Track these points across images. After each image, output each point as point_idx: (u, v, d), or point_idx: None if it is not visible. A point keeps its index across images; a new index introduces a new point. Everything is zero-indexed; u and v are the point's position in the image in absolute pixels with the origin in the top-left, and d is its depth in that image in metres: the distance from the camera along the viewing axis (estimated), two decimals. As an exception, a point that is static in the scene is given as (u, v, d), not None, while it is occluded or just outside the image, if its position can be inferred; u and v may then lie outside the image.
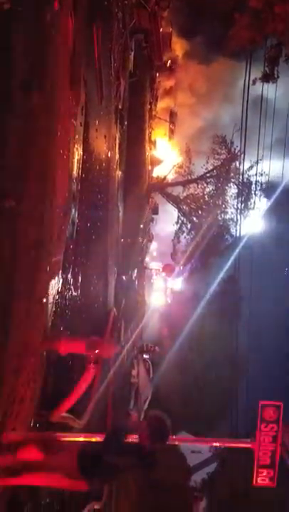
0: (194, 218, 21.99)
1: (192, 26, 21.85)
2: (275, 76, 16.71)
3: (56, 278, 6.86)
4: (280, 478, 4.03)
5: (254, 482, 4.06)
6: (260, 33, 14.41)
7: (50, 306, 6.29)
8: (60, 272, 7.13)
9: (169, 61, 22.65)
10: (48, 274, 6.16)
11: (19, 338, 4.93)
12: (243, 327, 21.66)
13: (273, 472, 4.02)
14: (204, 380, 19.39)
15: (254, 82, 16.92)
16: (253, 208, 22.21)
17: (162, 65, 21.34)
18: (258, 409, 3.98)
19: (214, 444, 4.14)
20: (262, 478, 4.04)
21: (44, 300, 5.98)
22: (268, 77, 16.75)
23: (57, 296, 6.97)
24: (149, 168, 21.37)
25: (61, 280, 7.24)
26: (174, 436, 4.09)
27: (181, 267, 22.46)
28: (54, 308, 6.65)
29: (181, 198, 21.54)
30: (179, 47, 23.67)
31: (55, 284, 6.74)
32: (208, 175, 21.57)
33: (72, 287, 8.01)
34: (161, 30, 17.33)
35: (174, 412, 17.07)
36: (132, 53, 14.32)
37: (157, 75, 21.81)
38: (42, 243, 5.77)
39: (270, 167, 21.46)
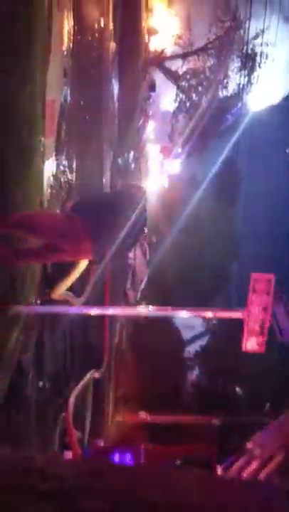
0: (194, 95, 20.82)
1: None
2: None
3: (50, 159, 6.78)
4: (268, 349, 4.34)
5: (244, 348, 4.34)
6: None
7: (45, 188, 6.31)
8: (54, 153, 7.02)
9: None
10: (42, 153, 6.09)
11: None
12: (239, 210, 21.93)
13: (262, 338, 4.28)
14: (201, 260, 20.08)
15: None
16: (257, 82, 20.92)
17: None
18: (250, 282, 4.15)
19: (207, 314, 4.46)
20: (251, 345, 4.32)
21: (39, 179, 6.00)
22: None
23: (52, 178, 6.95)
24: (146, 39, 19.64)
25: (55, 161, 7.17)
26: (169, 308, 4.37)
27: (179, 149, 21.90)
28: (50, 191, 6.68)
29: (180, 72, 20.16)
30: None
31: (49, 166, 6.68)
32: (209, 46, 19.91)
33: (67, 170, 7.94)
34: None
35: (171, 290, 18.08)
36: None
37: None
38: (34, 123, 5.60)
39: (276, 36, 19.87)
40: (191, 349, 20.25)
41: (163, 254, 17.05)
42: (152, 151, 22.14)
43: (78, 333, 6.77)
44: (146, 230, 4.66)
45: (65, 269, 4.90)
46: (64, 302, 5.32)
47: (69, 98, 8.14)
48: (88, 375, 7.17)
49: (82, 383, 6.91)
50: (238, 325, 4.58)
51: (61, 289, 5.17)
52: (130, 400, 13.39)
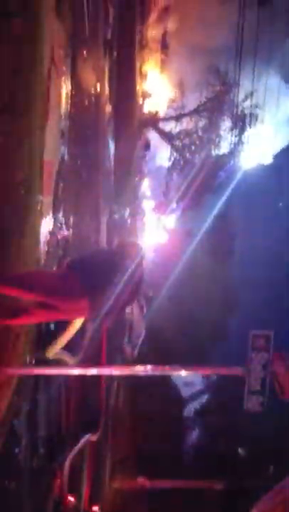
0: (187, 154, 21.57)
1: None
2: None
3: (47, 217, 6.86)
4: (269, 408, 4.20)
5: (245, 407, 4.20)
6: None
7: (42, 245, 6.33)
8: (51, 211, 7.12)
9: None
10: (39, 212, 6.16)
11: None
12: (235, 262, 22.05)
13: (263, 398, 4.15)
14: (198, 314, 19.93)
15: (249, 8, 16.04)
16: (248, 141, 21.84)
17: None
18: (248, 339, 4.07)
19: (206, 372, 4.33)
20: (252, 404, 4.18)
21: (35, 238, 6.02)
22: (263, 2, 15.87)
23: (48, 235, 7.00)
24: (141, 102, 20.61)
25: (52, 221, 7.24)
26: (167, 366, 4.25)
27: (175, 205, 22.36)
28: (46, 248, 6.70)
29: (174, 133, 21.01)
30: None
31: (46, 224, 6.75)
32: (201, 108, 20.89)
33: (63, 226, 8.02)
34: None
35: (169, 345, 17.79)
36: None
37: (147, 2, 20.46)
38: (32, 182, 5.71)
39: (265, 99, 20.88)
40: (191, 408, 19.63)
41: (160, 308, 16.93)
42: (148, 207, 22.61)
43: (73, 395, 6.54)
44: (143, 287, 4.63)
45: (61, 326, 4.81)
46: (59, 361, 5.18)
47: (66, 157, 8.38)
48: (84, 439, 6.85)
49: (77, 447, 6.59)
50: (238, 382, 4.45)
51: (56, 348, 5.05)
52: (128, 464, 12.77)
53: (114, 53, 14.57)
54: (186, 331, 19.63)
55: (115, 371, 4.17)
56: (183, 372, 4.03)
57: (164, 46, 22.96)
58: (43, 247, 6.44)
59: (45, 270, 5.84)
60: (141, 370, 3.85)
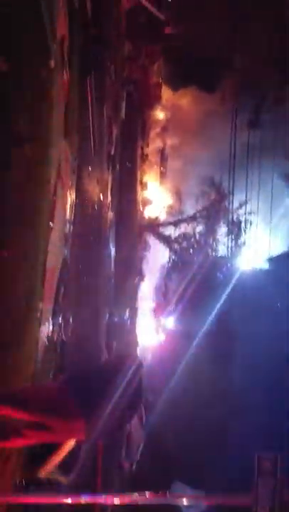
0: (186, 257, 22.19)
1: (181, 77, 22.90)
2: (260, 124, 17.53)
3: (46, 324, 6.86)
4: None
5: None
6: (245, 90, 15.30)
7: (39, 353, 6.25)
8: (51, 317, 7.14)
9: (159, 108, 23.58)
10: (38, 321, 6.17)
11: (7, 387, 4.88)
12: (235, 366, 21.48)
13: None
14: (198, 420, 18.95)
15: (240, 129, 17.73)
16: (244, 244, 22.63)
17: (152, 111, 22.26)
18: (253, 461, 3.86)
19: (210, 501, 4.01)
20: None
21: (33, 348, 5.96)
22: (253, 124, 17.56)
23: (47, 342, 6.94)
24: (141, 208, 21.71)
25: (51, 325, 7.23)
26: (168, 492, 3.98)
27: (174, 306, 22.43)
28: (43, 355, 6.61)
29: (173, 237, 21.84)
30: (168, 93, 24.60)
31: (45, 330, 6.72)
32: (198, 215, 21.96)
33: (62, 332, 7.99)
34: (151, 80, 18.22)
35: (167, 454, 16.61)
36: (124, 102, 14.88)
37: (148, 120, 22.56)
38: (34, 291, 5.81)
39: (258, 206, 22.00)
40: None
41: (160, 415, 16.09)
42: (147, 308, 22.66)
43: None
44: (143, 403, 4.48)
45: (53, 444, 4.57)
46: (51, 481, 4.83)
47: (68, 263, 8.60)
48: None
49: None
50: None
51: (49, 467, 4.74)
52: None
53: (117, 166, 15.66)
54: (186, 439, 18.49)
55: (111, 499, 3.89)
56: (185, 501, 3.77)
57: (163, 159, 24.82)
58: (40, 355, 6.36)
59: (40, 385, 5.68)
60: (140, 498, 3.60)
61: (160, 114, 24.33)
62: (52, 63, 6.21)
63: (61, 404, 3.63)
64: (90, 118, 9.63)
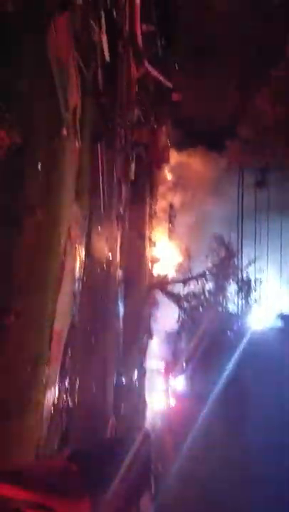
0: (195, 315, 21.88)
1: (188, 139, 23.81)
2: (267, 183, 17.89)
3: (52, 389, 6.62)
4: None
5: None
6: (250, 157, 15.79)
7: (44, 422, 5.98)
8: (57, 382, 6.91)
9: (168, 167, 24.29)
10: (44, 387, 5.95)
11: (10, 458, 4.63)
12: (249, 432, 20.53)
13: None
14: (210, 492, 17.82)
15: (247, 189, 18.10)
16: (255, 303, 22.35)
17: (161, 171, 22.92)
18: None
19: None
20: None
21: (38, 416, 5.71)
22: (260, 185, 17.92)
23: (52, 409, 6.66)
24: (150, 266, 21.75)
25: (57, 390, 6.99)
26: None
27: (184, 366, 21.85)
28: (48, 423, 6.33)
29: (182, 295, 21.66)
30: (176, 154, 25.43)
31: (50, 396, 6.48)
32: (207, 272, 21.89)
33: (69, 397, 7.70)
34: (159, 143, 18.93)
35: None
36: (133, 163, 15.34)
37: (157, 180, 23.16)
38: (40, 356, 5.66)
39: (267, 264, 21.95)
40: None
41: (170, 486, 15.19)
42: (156, 368, 22.10)
43: None
44: (152, 478, 4.21)
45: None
46: None
47: (76, 323, 8.45)
48: None
49: None
50: None
51: None
52: None
53: (126, 225, 15.84)
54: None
55: None
56: None
57: (172, 217, 25.17)
58: (45, 424, 6.08)
59: (43, 460, 5.40)
60: None
61: (169, 174, 25.01)
62: (64, 131, 6.45)
63: (65, 482, 3.40)
64: (101, 180, 9.87)
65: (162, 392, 21.90)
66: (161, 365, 22.40)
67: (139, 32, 13.37)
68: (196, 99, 18.47)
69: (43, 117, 5.78)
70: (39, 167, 5.54)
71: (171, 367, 21.97)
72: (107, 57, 9.48)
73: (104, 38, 9.08)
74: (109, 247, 12.70)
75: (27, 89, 5.51)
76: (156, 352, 22.33)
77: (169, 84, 17.43)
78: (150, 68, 14.94)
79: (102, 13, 8.65)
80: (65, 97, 6.56)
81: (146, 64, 14.57)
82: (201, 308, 21.64)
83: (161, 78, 16.41)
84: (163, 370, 22.22)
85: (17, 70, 5.44)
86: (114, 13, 10.16)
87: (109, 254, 12.95)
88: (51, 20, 5.74)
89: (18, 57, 5.47)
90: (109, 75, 10.06)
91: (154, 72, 15.48)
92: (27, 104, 5.55)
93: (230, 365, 20.31)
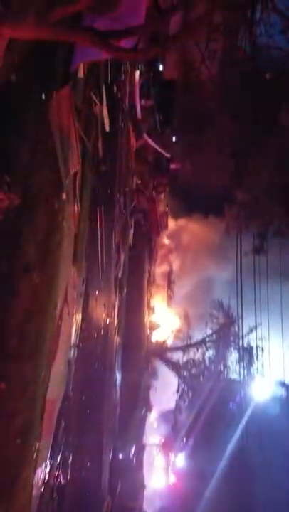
0: (196, 385, 21.10)
1: (186, 206, 24.42)
2: (264, 249, 18.00)
3: (43, 465, 6.14)
4: None
5: None
6: (248, 222, 16.08)
7: (33, 502, 5.46)
8: (48, 457, 6.43)
9: (166, 233, 24.66)
10: (34, 463, 5.50)
11: None
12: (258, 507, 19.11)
13: None
14: None
15: (246, 254, 18.17)
16: (256, 372, 21.61)
17: (160, 237, 23.21)
18: None
19: None
20: None
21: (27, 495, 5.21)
22: (258, 250, 18.02)
23: (42, 487, 6.15)
24: (148, 333, 21.33)
25: (48, 467, 6.48)
26: None
27: (184, 440, 20.74)
28: (38, 502, 5.79)
29: (181, 363, 21.03)
30: (175, 220, 25.91)
31: (41, 473, 5.99)
32: (207, 339, 21.42)
33: (60, 474, 7.15)
34: (158, 210, 19.34)
35: None
36: (132, 230, 15.54)
37: (155, 246, 23.38)
38: (31, 428, 5.27)
39: (269, 331, 21.50)
40: None
41: None
42: (155, 443, 20.96)
43: None
44: None
45: None
46: None
47: (71, 393, 8.05)
48: None
49: None
50: None
51: None
52: None
53: (124, 290, 15.71)
54: None
55: None
56: None
57: (170, 282, 25.10)
58: (34, 503, 5.55)
59: None
60: None
61: (167, 240, 25.31)
62: (64, 196, 6.52)
63: None
64: (99, 244, 9.88)
65: (161, 469, 20.60)
66: (160, 440, 21.25)
67: (138, 106, 14.08)
68: (193, 168, 19.08)
69: (43, 181, 5.85)
70: (37, 230, 5.51)
71: (170, 442, 20.86)
72: (108, 128, 9.85)
73: (105, 111, 9.48)
74: (106, 313, 12.48)
75: (28, 154, 5.62)
76: (154, 425, 21.31)
77: (167, 155, 18.07)
78: (149, 139, 15.56)
79: (103, 87, 9.10)
80: (65, 164, 6.69)
81: (145, 135, 15.19)
82: (201, 377, 20.89)
83: (159, 149, 17.05)
84: (162, 446, 21.06)
85: (19, 137, 5.57)
86: (115, 87, 10.72)
87: (107, 319, 12.70)
88: (54, 91, 5.98)
89: (21, 125, 5.63)
90: (109, 144, 10.41)
91: (153, 143, 16.11)
92: (28, 169, 5.63)
93: (233, 440, 19.32)
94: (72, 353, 8.41)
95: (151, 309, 22.17)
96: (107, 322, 12.73)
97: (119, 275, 14.32)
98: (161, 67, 16.39)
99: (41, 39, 4.45)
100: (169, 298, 24.22)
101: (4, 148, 5.09)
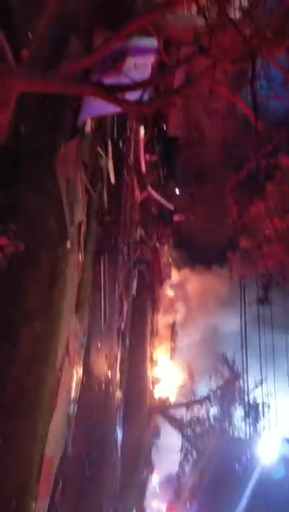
0: (200, 444, 20.18)
1: (189, 257, 24.53)
2: (268, 300, 17.82)
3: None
4: None
5: None
6: (251, 268, 16.07)
7: None
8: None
9: (170, 284, 24.57)
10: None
11: None
12: None
13: None
14: None
15: (250, 305, 17.97)
16: (263, 430, 20.64)
17: (163, 288, 23.11)
18: None
19: None
20: None
21: None
22: (262, 301, 17.84)
23: None
24: (151, 387, 20.68)
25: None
26: None
27: (188, 506, 19.51)
28: None
29: (185, 420, 20.22)
30: (178, 271, 25.90)
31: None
32: (211, 395, 20.70)
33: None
34: (161, 260, 19.42)
35: None
36: (135, 280, 15.50)
37: (158, 297, 23.21)
38: (27, 486, 4.95)
39: (275, 388, 20.80)
40: None
41: None
42: (158, 507, 19.75)
43: None
44: None
45: None
46: None
47: (70, 450, 7.67)
48: None
49: None
50: None
51: None
52: None
53: (127, 341, 15.42)
54: None
55: None
56: None
57: (174, 334, 24.66)
58: None
59: None
60: None
61: (170, 291, 25.14)
62: (68, 244, 6.52)
63: None
64: (102, 294, 9.81)
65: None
66: (163, 504, 20.04)
67: (142, 161, 14.51)
68: (196, 219, 19.33)
69: (48, 229, 5.87)
70: (41, 276, 5.45)
71: (173, 507, 19.63)
72: (113, 181, 10.06)
73: (111, 164, 9.72)
74: (108, 365, 12.17)
75: (34, 202, 5.67)
76: (156, 488, 20.18)
77: (171, 207, 18.39)
78: (153, 192, 15.92)
79: (109, 142, 9.37)
80: (71, 213, 6.75)
81: (149, 188, 15.56)
82: (205, 436, 20.00)
83: (162, 201, 17.39)
84: (165, 510, 19.84)
85: (26, 185, 5.65)
86: (121, 143, 11.06)
87: (109, 372, 12.37)
88: (61, 142, 6.13)
89: (28, 173, 5.72)
90: (114, 196, 10.60)
91: (157, 195, 16.46)
92: (33, 217, 5.66)
93: (240, 505, 18.18)
94: (72, 408, 8.10)
95: (154, 362, 21.65)
96: (109, 375, 12.38)
97: (122, 326, 14.10)
98: (164, 127, 17.06)
99: (51, 92, 4.61)
100: (172, 350, 23.73)
101: (11, 195, 5.13)
